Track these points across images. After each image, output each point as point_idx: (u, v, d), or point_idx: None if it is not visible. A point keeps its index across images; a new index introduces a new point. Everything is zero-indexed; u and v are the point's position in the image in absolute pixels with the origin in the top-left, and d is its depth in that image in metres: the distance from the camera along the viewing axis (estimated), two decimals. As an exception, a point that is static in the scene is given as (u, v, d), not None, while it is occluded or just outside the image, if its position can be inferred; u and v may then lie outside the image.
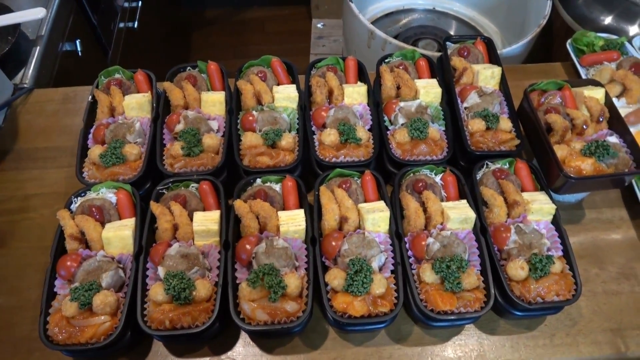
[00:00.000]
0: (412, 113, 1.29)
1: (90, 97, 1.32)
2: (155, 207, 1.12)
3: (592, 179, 1.12)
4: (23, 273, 1.20)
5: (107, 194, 1.15)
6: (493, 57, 1.40)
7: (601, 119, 1.23)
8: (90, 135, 1.26)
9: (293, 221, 1.11)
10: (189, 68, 1.38)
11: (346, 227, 1.12)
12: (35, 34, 1.71)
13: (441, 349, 1.11)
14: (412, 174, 1.21)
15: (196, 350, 1.09)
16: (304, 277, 1.05)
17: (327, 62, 1.39)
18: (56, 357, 1.05)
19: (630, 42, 1.52)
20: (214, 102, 1.30)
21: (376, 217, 1.11)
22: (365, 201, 1.17)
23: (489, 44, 1.43)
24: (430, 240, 1.09)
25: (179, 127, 1.25)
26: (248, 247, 1.08)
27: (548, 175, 1.18)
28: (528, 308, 1.02)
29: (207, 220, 1.11)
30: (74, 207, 1.14)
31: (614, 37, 1.54)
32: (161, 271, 1.05)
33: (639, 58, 1.44)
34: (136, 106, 1.28)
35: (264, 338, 1.11)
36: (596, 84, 1.28)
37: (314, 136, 1.26)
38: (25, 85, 1.55)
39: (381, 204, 1.14)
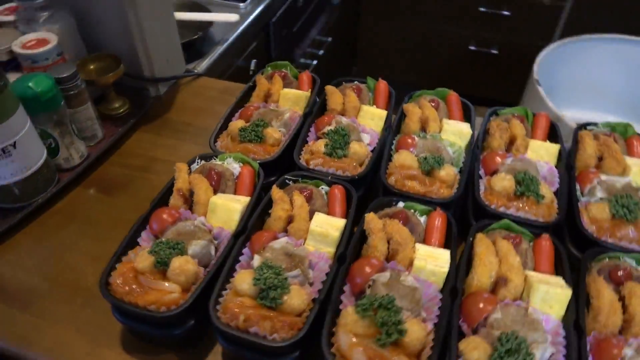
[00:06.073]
0: (618, 190, 0.98)
1: (252, 81, 1.26)
2: (276, 192, 0.94)
3: None
4: (116, 224, 1.08)
5: (232, 165, 1.02)
6: None
7: None
8: (237, 113, 1.18)
9: (434, 260, 0.84)
10: (356, 81, 1.27)
11: (502, 292, 0.81)
12: (222, 36, 1.80)
13: None
14: (607, 259, 0.88)
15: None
16: (430, 332, 0.76)
17: (513, 110, 1.17)
18: (107, 319, 0.87)
19: None
20: (373, 116, 1.14)
21: (551, 292, 0.79)
22: (535, 270, 0.86)
23: None
24: (629, 352, 0.73)
25: (329, 129, 1.11)
26: (368, 270, 0.82)
27: None
28: None
29: (329, 225, 0.89)
30: (194, 167, 1.03)
31: None
32: (257, 260, 0.84)
33: None
34: (292, 98, 1.18)
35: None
36: None
37: (481, 180, 1.02)
38: (196, 72, 1.59)
39: (559, 279, 0.83)
